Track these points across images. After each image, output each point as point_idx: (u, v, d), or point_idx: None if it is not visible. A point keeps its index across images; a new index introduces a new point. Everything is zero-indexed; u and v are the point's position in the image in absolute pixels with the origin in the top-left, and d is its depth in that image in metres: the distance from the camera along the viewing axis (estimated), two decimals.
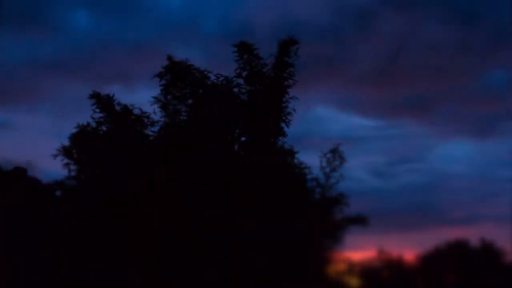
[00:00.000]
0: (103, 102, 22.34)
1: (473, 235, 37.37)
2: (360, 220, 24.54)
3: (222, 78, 22.35)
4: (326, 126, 42.26)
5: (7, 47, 47.08)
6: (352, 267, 30.09)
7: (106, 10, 49.73)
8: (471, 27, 49.35)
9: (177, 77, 22.28)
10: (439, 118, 50.44)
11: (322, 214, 24.08)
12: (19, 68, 47.11)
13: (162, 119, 22.38)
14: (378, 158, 45.17)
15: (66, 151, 22.04)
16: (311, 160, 23.86)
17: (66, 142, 22.07)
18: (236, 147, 22.61)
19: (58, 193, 22.85)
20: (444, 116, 51.42)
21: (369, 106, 47.48)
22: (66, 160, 22.09)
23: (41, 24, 48.87)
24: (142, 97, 32.71)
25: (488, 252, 37.30)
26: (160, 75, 22.28)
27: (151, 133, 22.48)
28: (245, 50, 22.38)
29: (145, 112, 22.42)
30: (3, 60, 46.00)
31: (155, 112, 22.32)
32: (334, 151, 24.09)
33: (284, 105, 22.37)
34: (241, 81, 22.49)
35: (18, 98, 45.22)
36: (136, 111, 22.46)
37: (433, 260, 36.74)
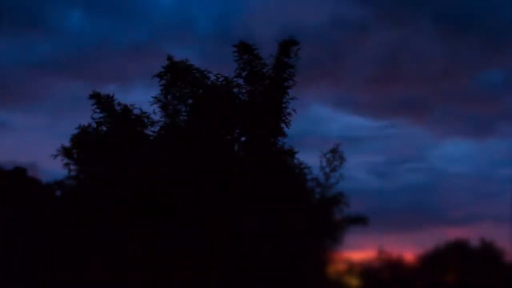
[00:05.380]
0: (103, 102, 22.34)
1: (473, 235, 37.39)
2: (360, 220, 24.54)
3: (222, 78, 22.37)
4: (325, 125, 42.29)
5: (3, 48, 47.27)
6: (352, 267, 30.15)
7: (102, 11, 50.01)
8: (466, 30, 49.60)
9: (177, 77, 22.26)
10: (438, 118, 50.46)
11: (322, 214, 24.07)
12: (15, 69, 47.35)
13: (162, 119, 22.40)
14: (377, 158, 45.18)
15: (66, 151, 22.04)
16: (311, 160, 23.90)
17: (66, 143, 22.12)
18: (236, 147, 22.59)
19: (58, 193, 22.89)
20: (443, 115, 51.49)
21: (367, 106, 47.57)
22: (66, 160, 22.13)
23: (37, 25, 49.09)
24: (139, 98, 32.82)
25: (488, 252, 37.31)
26: (160, 75, 22.26)
27: (151, 133, 22.50)
28: (245, 50, 22.36)
29: (145, 112, 22.43)
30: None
31: (155, 112, 22.33)
32: (334, 151, 24.11)
33: (284, 105, 22.37)
34: (241, 81, 22.50)
35: (16, 98, 45.41)
36: (136, 111, 22.48)
37: (433, 260, 36.74)
